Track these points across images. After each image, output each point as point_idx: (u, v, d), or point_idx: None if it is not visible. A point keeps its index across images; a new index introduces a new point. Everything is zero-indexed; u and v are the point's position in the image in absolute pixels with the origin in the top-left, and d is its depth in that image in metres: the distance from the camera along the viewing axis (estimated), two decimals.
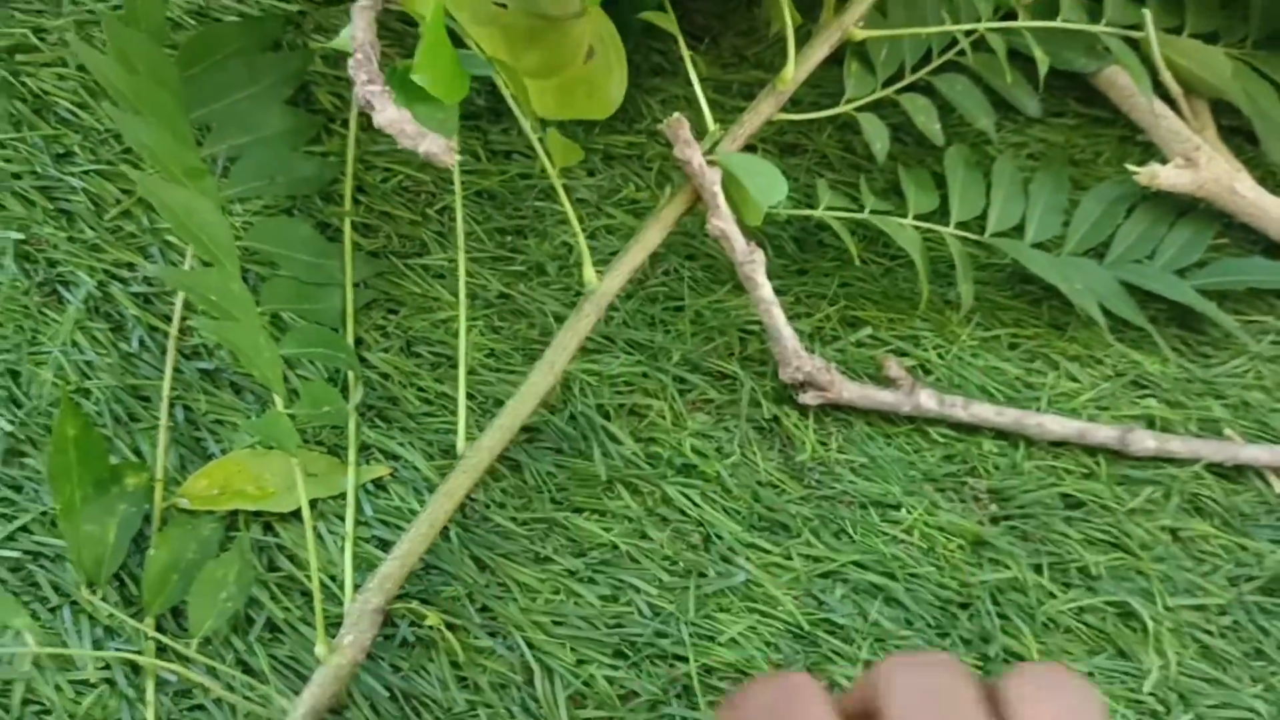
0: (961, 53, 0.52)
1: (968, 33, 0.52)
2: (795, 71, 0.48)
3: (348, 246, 0.47)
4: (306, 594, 0.42)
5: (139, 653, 0.40)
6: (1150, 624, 0.44)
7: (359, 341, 0.46)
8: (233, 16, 0.52)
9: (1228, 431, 0.49)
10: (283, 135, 0.47)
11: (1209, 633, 0.45)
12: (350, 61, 0.39)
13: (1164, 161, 0.51)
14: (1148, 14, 0.53)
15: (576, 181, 0.50)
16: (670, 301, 0.48)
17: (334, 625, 0.41)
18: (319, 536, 0.43)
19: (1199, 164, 0.51)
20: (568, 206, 0.43)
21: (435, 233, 0.49)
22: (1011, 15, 0.52)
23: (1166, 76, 0.53)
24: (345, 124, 0.49)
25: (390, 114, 0.37)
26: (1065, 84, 0.56)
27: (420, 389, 0.46)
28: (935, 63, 0.53)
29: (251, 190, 0.46)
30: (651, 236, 0.45)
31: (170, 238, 0.47)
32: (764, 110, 0.48)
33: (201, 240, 0.39)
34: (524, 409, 0.43)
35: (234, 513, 0.43)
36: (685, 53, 0.48)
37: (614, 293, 0.44)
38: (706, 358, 0.48)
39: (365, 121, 0.50)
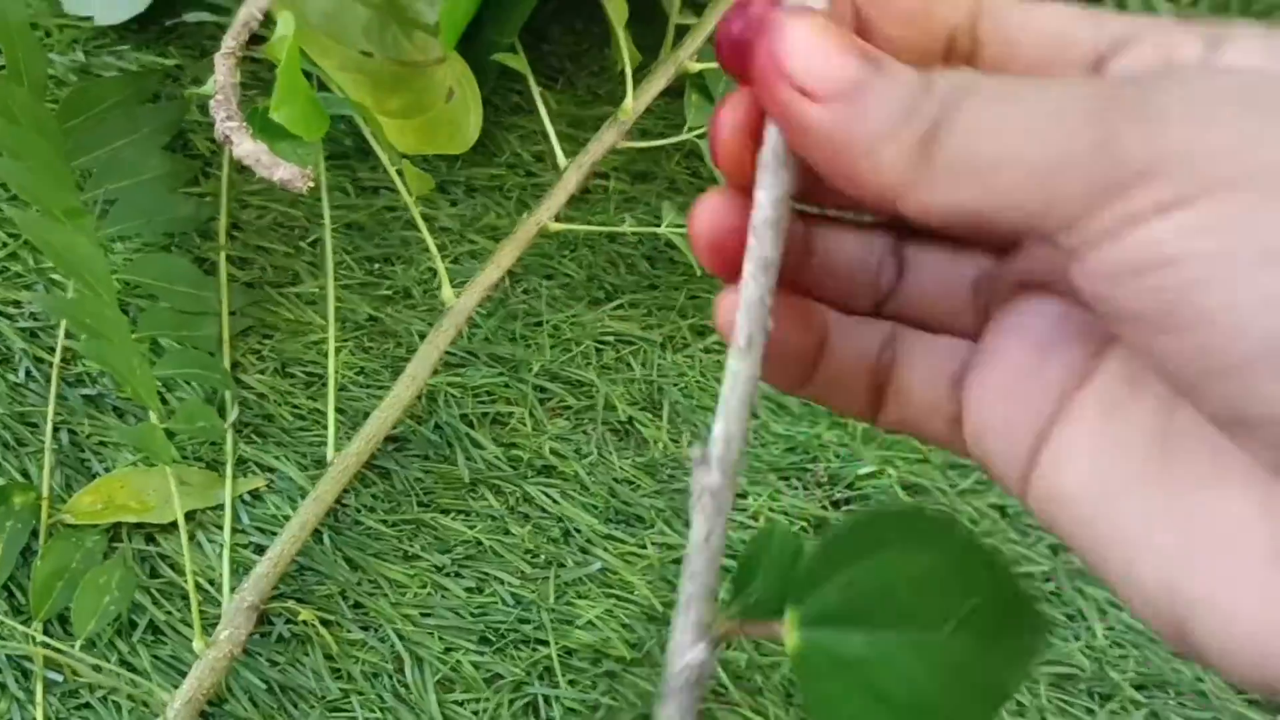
0: None
1: None
2: (635, 103, 0.53)
3: (223, 278, 0.50)
4: (187, 598, 0.45)
5: (26, 657, 0.43)
6: None
7: (236, 365, 0.50)
8: (113, 72, 0.55)
9: None
10: (160, 178, 0.51)
11: (1035, 598, 0.49)
12: (211, 102, 0.43)
13: None
14: None
15: (439, 211, 0.54)
16: (529, 318, 0.52)
17: (212, 625, 0.44)
18: (198, 545, 0.46)
19: None
20: (425, 233, 0.47)
21: (307, 263, 0.52)
22: None
23: None
24: (220, 166, 0.53)
25: (247, 146, 0.41)
26: None
27: (294, 406, 0.49)
28: None
29: (130, 229, 0.49)
30: (506, 255, 0.49)
31: (54, 276, 0.50)
32: (607, 139, 0.52)
33: (80, 273, 0.42)
34: (388, 417, 0.47)
35: (117, 525, 0.46)
36: (535, 91, 0.53)
37: (471, 308, 0.48)
38: (564, 368, 0.51)
39: (240, 164, 0.54)
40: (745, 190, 0.22)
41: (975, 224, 0.19)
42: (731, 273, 0.22)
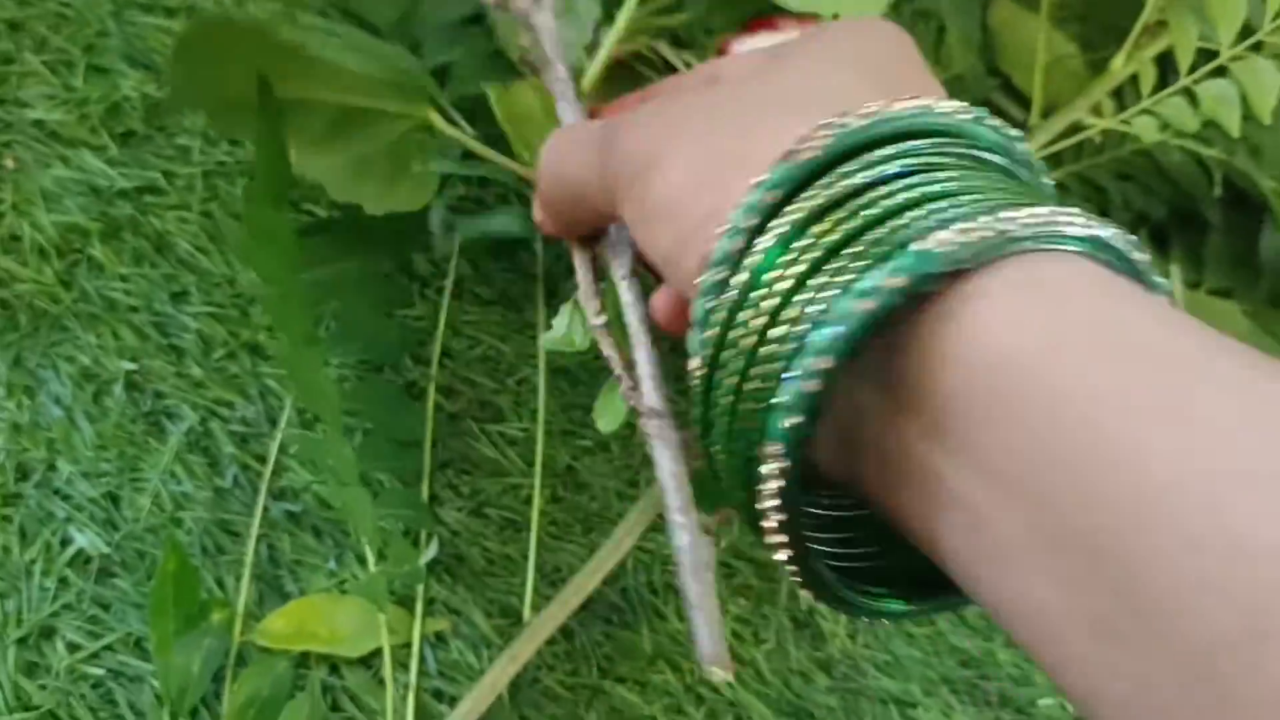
0: None
1: None
2: None
3: (429, 406, 0.50)
4: None
5: None
6: None
7: (433, 498, 0.50)
8: None
9: None
10: (381, 300, 0.51)
11: None
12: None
13: None
14: (1175, 271, 0.59)
15: None
16: None
17: None
18: (380, 682, 0.46)
19: None
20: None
21: (512, 403, 0.53)
22: None
23: None
24: (439, 291, 0.53)
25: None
26: None
27: (485, 549, 0.49)
28: None
29: (349, 352, 0.50)
30: None
31: (269, 382, 0.51)
32: None
33: (321, 409, 0.43)
34: (589, 583, 0.46)
35: (304, 653, 0.46)
36: None
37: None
38: (754, 547, 0.51)
39: (457, 290, 0.54)
40: None
41: None
42: None
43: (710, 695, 0.48)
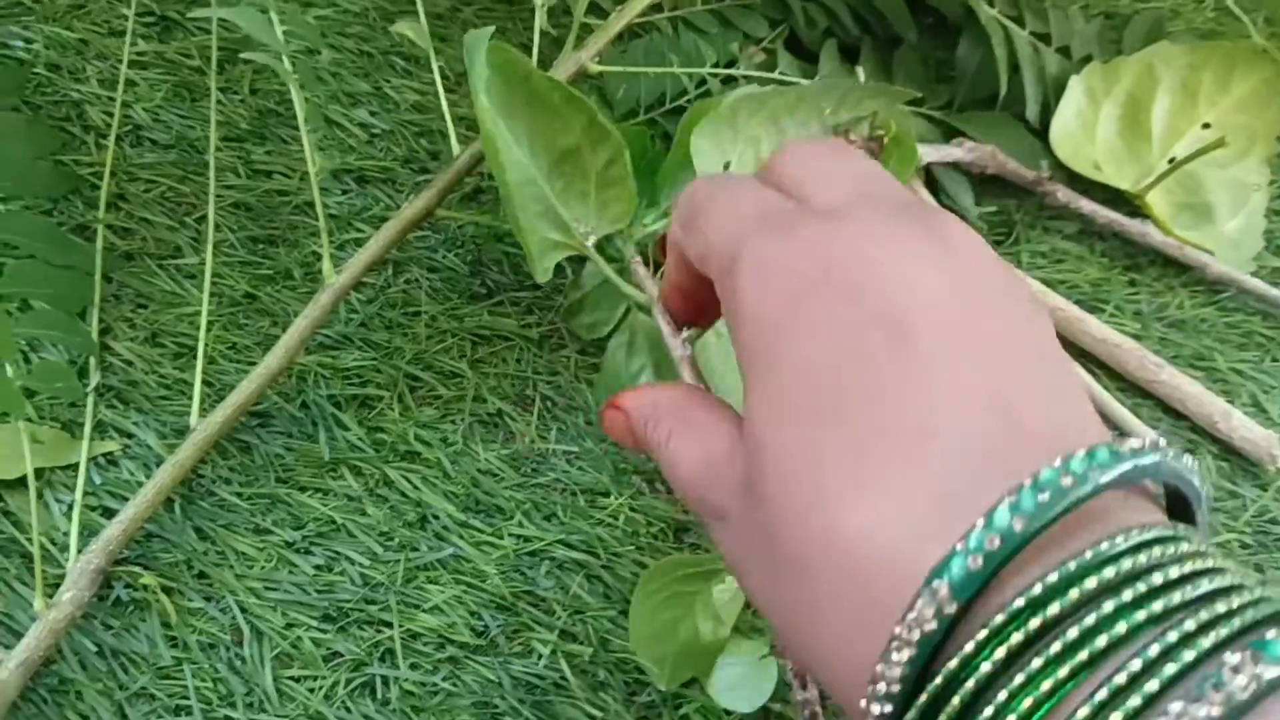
0: (700, 95, 0.58)
1: (698, 80, 0.58)
2: None
3: (99, 243, 0.50)
4: (27, 555, 0.44)
5: None
6: None
7: (107, 331, 0.49)
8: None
9: None
10: (21, 144, 0.51)
11: None
12: None
13: None
14: (860, 74, 0.60)
15: (329, 198, 0.55)
16: (408, 306, 0.53)
17: (52, 587, 0.44)
18: (46, 504, 0.46)
19: None
20: (320, 210, 0.48)
21: (191, 238, 0.53)
22: (734, 65, 0.59)
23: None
24: (117, 139, 0.53)
25: None
26: None
27: (161, 375, 0.49)
28: (669, 105, 0.59)
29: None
30: (387, 234, 0.49)
31: None
32: None
33: None
34: (254, 387, 0.46)
35: None
36: (439, 84, 0.53)
37: (349, 284, 0.48)
38: (438, 358, 0.52)
39: (134, 137, 0.54)
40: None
41: None
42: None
43: (393, 495, 0.48)
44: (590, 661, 0.46)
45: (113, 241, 0.51)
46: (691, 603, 0.44)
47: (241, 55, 0.49)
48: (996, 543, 0.19)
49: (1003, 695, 0.18)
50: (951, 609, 0.19)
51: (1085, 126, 0.58)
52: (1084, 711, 0.17)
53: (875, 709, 0.20)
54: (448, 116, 0.52)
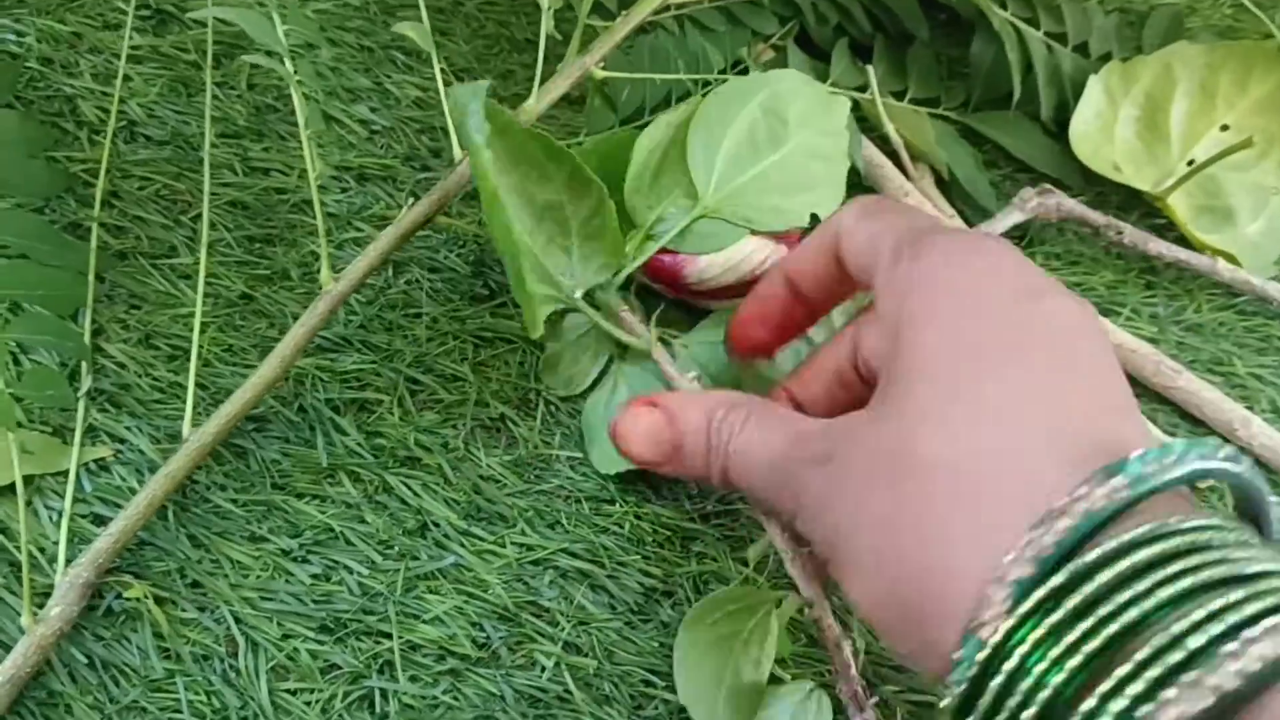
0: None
1: (703, 83, 0.57)
2: (537, 104, 0.52)
3: (93, 242, 0.49)
4: (14, 564, 0.43)
5: None
6: None
7: (99, 333, 0.48)
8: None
9: None
10: (14, 142, 0.50)
11: None
12: None
13: None
14: (872, 73, 0.59)
15: (328, 196, 0.54)
16: (409, 308, 0.51)
17: (41, 597, 0.42)
18: (34, 512, 0.44)
19: None
20: (318, 211, 0.46)
21: (186, 238, 0.51)
22: (743, 69, 0.57)
23: (890, 129, 0.58)
24: (111, 136, 0.52)
25: None
26: None
27: (154, 379, 0.48)
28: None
29: None
30: (387, 240, 0.48)
31: None
32: None
33: None
34: (249, 395, 0.45)
35: None
36: (440, 86, 0.52)
37: (348, 291, 0.47)
38: (439, 360, 0.50)
39: (128, 133, 0.53)
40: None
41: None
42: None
43: (393, 502, 0.47)
44: (595, 674, 0.44)
45: (106, 240, 0.50)
46: (730, 647, 0.42)
47: (242, 57, 0.48)
48: (1153, 468, 0.23)
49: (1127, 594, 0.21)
50: (1124, 495, 0.22)
51: (1104, 127, 0.57)
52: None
53: (1015, 571, 0.22)
54: (449, 118, 0.51)
